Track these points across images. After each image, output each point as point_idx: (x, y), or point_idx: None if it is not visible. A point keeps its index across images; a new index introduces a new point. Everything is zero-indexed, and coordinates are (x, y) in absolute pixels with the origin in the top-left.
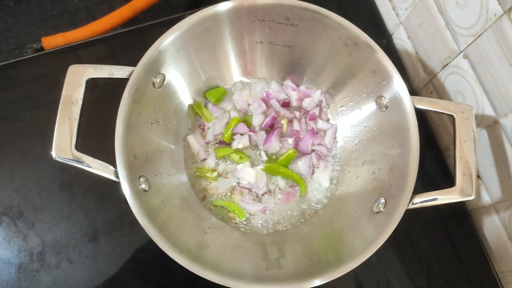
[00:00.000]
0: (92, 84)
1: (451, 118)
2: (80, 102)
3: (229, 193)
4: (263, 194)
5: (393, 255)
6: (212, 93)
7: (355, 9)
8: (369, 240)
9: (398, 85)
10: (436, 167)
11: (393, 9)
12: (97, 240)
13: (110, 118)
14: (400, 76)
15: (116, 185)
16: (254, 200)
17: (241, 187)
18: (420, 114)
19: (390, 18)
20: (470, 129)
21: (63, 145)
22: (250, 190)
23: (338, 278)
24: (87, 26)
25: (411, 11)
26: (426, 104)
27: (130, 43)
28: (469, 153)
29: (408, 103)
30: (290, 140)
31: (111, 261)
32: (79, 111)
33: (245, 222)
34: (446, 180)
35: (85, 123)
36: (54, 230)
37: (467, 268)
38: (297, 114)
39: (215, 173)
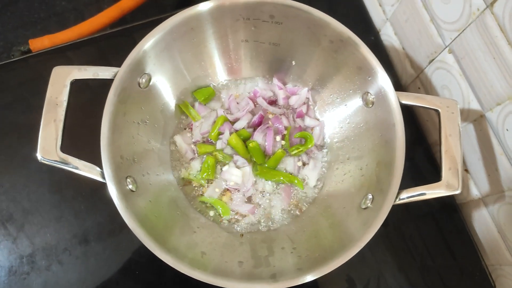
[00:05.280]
0: (79, 86)
1: (437, 112)
2: (65, 104)
3: (220, 197)
4: (250, 196)
5: (386, 250)
6: (200, 92)
7: (343, 6)
8: (357, 236)
9: (383, 80)
10: (425, 162)
11: (380, 5)
12: (87, 241)
13: (97, 119)
14: (384, 71)
15: (105, 186)
16: (245, 202)
17: (228, 188)
18: (408, 110)
19: (377, 15)
20: (456, 123)
21: (48, 146)
22: (238, 190)
23: (328, 274)
24: (74, 27)
25: (397, 7)
26: (412, 99)
27: (119, 43)
28: (455, 147)
29: (394, 98)
30: (278, 138)
31: (101, 262)
32: (64, 113)
33: (234, 222)
34: (436, 175)
35: (72, 124)
36: (44, 232)
37: (459, 262)
38: (285, 111)
39: (201, 182)
